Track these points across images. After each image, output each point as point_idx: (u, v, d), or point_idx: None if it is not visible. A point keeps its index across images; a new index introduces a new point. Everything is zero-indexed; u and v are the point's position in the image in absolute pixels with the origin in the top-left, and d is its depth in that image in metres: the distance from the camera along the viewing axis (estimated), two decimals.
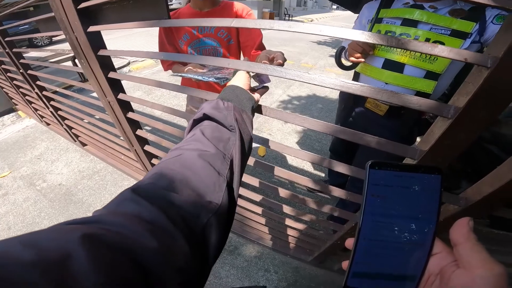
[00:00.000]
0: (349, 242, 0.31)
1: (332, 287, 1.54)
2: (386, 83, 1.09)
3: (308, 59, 5.24)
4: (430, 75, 0.97)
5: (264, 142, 0.84)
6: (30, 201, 2.17)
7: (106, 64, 0.99)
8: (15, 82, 2.41)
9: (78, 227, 0.20)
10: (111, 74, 1.00)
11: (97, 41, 0.91)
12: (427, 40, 0.93)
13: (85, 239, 0.18)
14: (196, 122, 0.48)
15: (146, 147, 1.41)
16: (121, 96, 1.08)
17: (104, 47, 0.94)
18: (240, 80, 0.61)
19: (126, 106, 1.15)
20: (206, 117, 0.47)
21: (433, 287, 0.27)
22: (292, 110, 3.13)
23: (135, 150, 1.46)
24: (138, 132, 1.28)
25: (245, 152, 0.47)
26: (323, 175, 2.28)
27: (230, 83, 0.61)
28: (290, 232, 1.50)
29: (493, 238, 0.89)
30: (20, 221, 1.99)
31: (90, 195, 2.17)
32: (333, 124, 0.66)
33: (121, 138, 1.48)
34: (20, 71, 1.96)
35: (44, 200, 2.16)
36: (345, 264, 0.30)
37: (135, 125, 1.25)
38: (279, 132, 2.86)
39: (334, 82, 0.53)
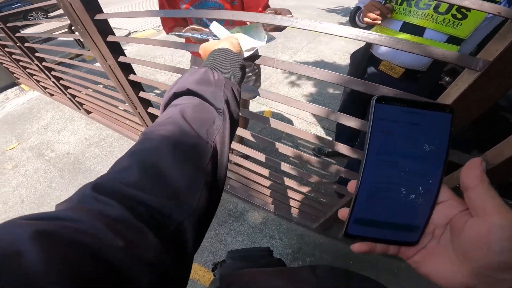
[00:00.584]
0: (352, 185, 0.28)
1: (336, 255, 1.55)
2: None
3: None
4: (453, 40, 0.91)
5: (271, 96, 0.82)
6: (40, 172, 2.21)
7: (104, 29, 0.95)
8: (14, 56, 2.36)
9: (31, 223, 0.18)
10: (110, 38, 0.97)
11: (92, 5, 0.87)
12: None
13: (37, 236, 0.16)
14: (176, 96, 0.39)
15: (150, 109, 1.37)
16: (121, 58, 1.05)
17: (101, 11, 0.90)
18: (230, 42, 0.52)
19: (127, 69, 1.13)
20: (189, 92, 0.38)
21: (442, 241, 0.25)
22: (299, 76, 3.00)
23: (139, 113, 1.42)
24: (141, 94, 1.25)
25: (230, 139, 0.40)
26: (330, 138, 2.23)
27: (218, 45, 0.51)
28: (295, 197, 1.48)
29: None
30: (32, 193, 2.05)
31: (98, 163, 2.19)
32: (344, 75, 0.63)
33: (126, 104, 1.45)
34: (17, 44, 1.92)
35: (54, 170, 2.20)
36: (342, 212, 0.28)
37: (137, 87, 1.22)
38: (286, 95, 2.75)
39: (349, 31, 0.49)
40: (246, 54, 0.59)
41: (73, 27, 1.08)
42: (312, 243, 1.59)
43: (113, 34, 0.99)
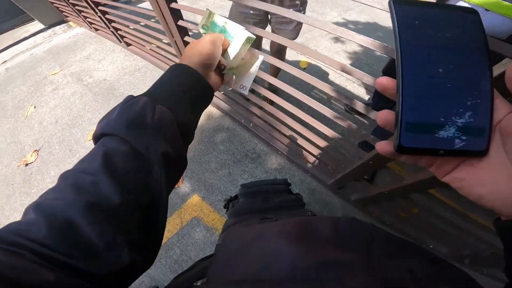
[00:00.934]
0: (383, 114, 0.24)
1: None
2: (486, 10, 0.78)
3: None
4: None
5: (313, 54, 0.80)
6: (77, 95, 2.33)
7: None
8: None
9: None
10: None
11: None
12: None
13: None
14: (104, 136, 0.31)
15: (186, 38, 1.34)
16: (173, 5, 1.09)
17: None
18: (200, 50, 0.40)
19: None
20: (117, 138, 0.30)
21: (493, 149, 0.21)
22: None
23: (175, 41, 1.40)
24: (180, 22, 1.24)
25: (171, 186, 0.34)
26: (366, 97, 2.03)
27: (185, 51, 0.42)
28: (316, 149, 1.40)
29: None
30: (66, 114, 2.17)
31: (131, 89, 2.26)
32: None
33: (166, 36, 1.44)
34: None
35: (90, 94, 2.31)
36: (381, 145, 0.24)
37: (176, 15, 1.21)
38: (327, 50, 2.55)
39: None
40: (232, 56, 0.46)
41: None
42: (322, 201, 1.52)
43: None
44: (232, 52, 0.46)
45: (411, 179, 0.85)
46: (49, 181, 1.76)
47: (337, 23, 3.04)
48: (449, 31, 0.21)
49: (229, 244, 0.35)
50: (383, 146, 0.24)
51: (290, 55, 2.39)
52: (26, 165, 1.87)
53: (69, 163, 1.82)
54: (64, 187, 0.25)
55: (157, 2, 1.14)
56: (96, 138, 0.32)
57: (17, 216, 1.62)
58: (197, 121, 0.40)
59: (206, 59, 0.40)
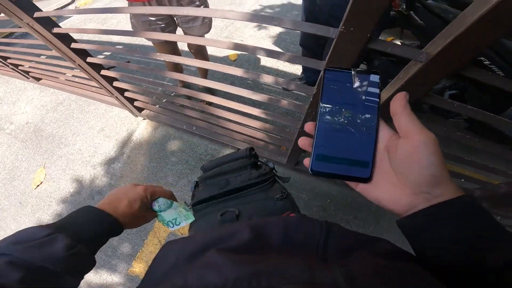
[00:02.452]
0: (309, 126, 0.31)
1: (313, 194, 1.56)
2: None
3: None
4: None
5: (236, 47, 0.81)
6: (3, 146, 2.09)
7: (26, 5, 0.99)
8: None
9: None
10: (37, 14, 1.01)
11: None
12: None
13: None
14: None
15: (89, 59, 1.29)
16: (56, 30, 1.09)
17: None
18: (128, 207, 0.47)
19: (66, 38, 1.17)
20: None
21: (383, 166, 0.29)
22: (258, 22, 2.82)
23: (79, 65, 1.34)
24: (74, 45, 1.20)
25: None
26: (298, 72, 2.16)
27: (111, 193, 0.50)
28: (265, 134, 1.45)
29: (471, 147, 0.85)
30: (1, 169, 1.96)
31: (59, 127, 2.08)
32: (300, 20, 0.66)
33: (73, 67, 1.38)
34: None
35: (17, 142, 2.08)
36: (302, 141, 0.32)
37: (66, 39, 1.18)
38: (252, 38, 2.62)
39: None
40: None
41: None
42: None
43: (39, 9, 1.02)
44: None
45: None
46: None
47: (256, 10, 3.11)
48: (355, 89, 0.30)
49: (165, 257, 0.34)
50: (303, 143, 0.32)
51: (218, 50, 2.39)
52: None
53: (25, 215, 1.71)
54: None
55: (38, 32, 1.10)
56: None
57: None
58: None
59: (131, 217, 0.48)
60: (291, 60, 0.78)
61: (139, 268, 1.44)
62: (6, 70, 2.39)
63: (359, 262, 0.26)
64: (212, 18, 1.43)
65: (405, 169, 0.27)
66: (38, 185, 1.80)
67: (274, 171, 0.66)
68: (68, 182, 1.78)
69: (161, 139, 1.86)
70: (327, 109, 0.30)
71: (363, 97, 0.30)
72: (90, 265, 0.39)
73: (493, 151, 0.84)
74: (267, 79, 0.92)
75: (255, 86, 2.10)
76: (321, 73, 0.32)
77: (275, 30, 2.67)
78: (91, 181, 1.76)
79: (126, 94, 1.60)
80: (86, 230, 0.40)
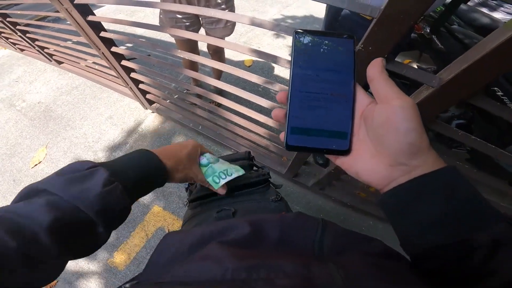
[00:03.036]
0: (281, 95, 0.28)
1: (307, 207, 1.54)
2: None
3: None
4: None
5: (255, 53, 0.81)
6: (11, 122, 2.13)
7: None
8: None
9: None
10: (77, 0, 1.01)
11: None
12: None
13: None
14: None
15: (114, 49, 1.32)
16: (91, 18, 1.11)
17: None
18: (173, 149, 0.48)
19: (97, 26, 1.20)
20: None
21: (360, 136, 0.27)
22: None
23: (103, 53, 1.37)
24: (103, 34, 1.23)
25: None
26: None
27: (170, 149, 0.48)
28: (269, 142, 1.44)
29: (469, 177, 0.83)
30: (3, 144, 1.98)
31: (69, 110, 2.11)
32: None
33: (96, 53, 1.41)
34: None
35: (25, 119, 2.11)
36: (275, 112, 0.29)
37: (97, 27, 1.21)
38: (269, 46, 2.64)
39: None
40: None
41: None
42: (284, 192, 1.57)
43: None
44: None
45: None
46: None
47: (277, 20, 3.16)
48: (328, 54, 0.28)
49: (165, 248, 0.34)
50: (276, 114, 0.29)
51: (234, 54, 2.43)
52: None
53: (15, 193, 1.64)
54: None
55: (74, 17, 1.12)
56: (38, 191, 0.31)
57: None
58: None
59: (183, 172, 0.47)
60: None
61: (119, 259, 1.40)
62: (32, 51, 2.48)
63: (354, 260, 0.26)
64: (235, 23, 1.45)
65: (381, 137, 0.24)
66: (36, 164, 1.81)
67: (269, 176, 0.65)
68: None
69: (166, 133, 1.86)
70: (299, 77, 0.27)
71: (338, 63, 0.28)
72: (124, 213, 0.36)
73: (490, 183, 0.81)
74: (279, 88, 0.91)
75: (265, 94, 2.10)
76: (292, 36, 0.29)
77: None
78: None
79: (141, 86, 1.62)
80: (129, 167, 0.38)
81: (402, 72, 0.55)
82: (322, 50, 0.28)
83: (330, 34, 0.28)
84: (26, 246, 0.25)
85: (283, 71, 2.29)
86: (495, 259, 0.21)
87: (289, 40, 2.70)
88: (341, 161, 0.29)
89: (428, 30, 1.52)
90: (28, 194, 0.31)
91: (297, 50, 0.28)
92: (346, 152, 0.27)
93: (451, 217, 0.22)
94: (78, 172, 0.33)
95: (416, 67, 1.92)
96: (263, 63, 2.37)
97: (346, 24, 1.29)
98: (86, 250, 0.33)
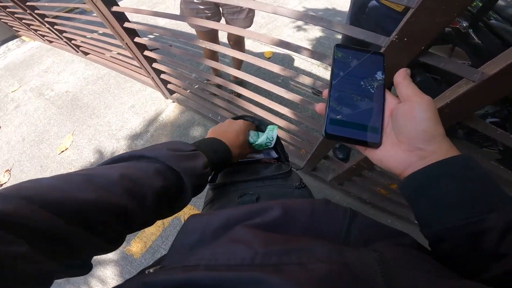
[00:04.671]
0: (320, 106, 0.34)
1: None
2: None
3: None
4: None
5: (278, 43, 0.80)
6: (40, 110, 2.24)
7: None
8: (8, 9, 2.37)
9: None
10: None
11: None
12: None
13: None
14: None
15: (137, 39, 1.35)
16: (114, 8, 1.14)
17: None
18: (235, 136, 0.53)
19: (121, 17, 1.22)
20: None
21: (387, 130, 0.30)
22: (306, 22, 2.79)
23: (126, 43, 1.41)
24: (126, 24, 1.26)
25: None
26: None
27: (213, 130, 0.56)
28: (288, 134, 1.42)
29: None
30: (32, 131, 2.08)
31: (95, 99, 2.19)
32: (350, 25, 0.63)
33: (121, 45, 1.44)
34: None
35: (53, 108, 2.22)
36: (319, 106, 0.35)
37: (121, 18, 1.25)
38: (290, 38, 2.59)
39: None
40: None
41: None
42: None
43: None
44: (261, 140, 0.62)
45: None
46: None
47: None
48: (363, 64, 0.34)
49: (190, 231, 0.34)
50: (320, 108, 0.34)
51: (254, 46, 2.41)
52: (0, 185, 1.79)
53: None
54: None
55: (98, 8, 1.14)
56: (139, 156, 0.37)
57: None
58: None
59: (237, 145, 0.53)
60: (325, 61, 0.74)
61: (136, 247, 1.44)
62: (60, 43, 2.58)
63: (388, 248, 0.26)
64: (255, 14, 1.44)
65: (401, 126, 0.28)
66: (62, 151, 1.89)
67: (287, 161, 0.68)
68: (91, 151, 1.85)
69: (185, 123, 1.89)
70: (338, 79, 0.33)
71: (371, 71, 0.33)
72: (204, 186, 0.44)
73: None
74: (302, 79, 0.89)
75: (285, 86, 2.06)
76: (333, 48, 0.35)
77: (314, 33, 2.63)
78: (111, 153, 1.82)
79: (162, 76, 1.65)
80: (213, 155, 0.46)
81: (440, 65, 0.52)
82: (358, 60, 0.34)
83: (363, 50, 0.35)
84: (133, 204, 0.30)
85: (303, 63, 2.25)
86: (506, 241, 0.22)
87: (310, 33, 2.65)
88: (368, 152, 0.32)
89: (464, 24, 1.44)
90: (140, 157, 0.36)
91: (337, 59, 0.34)
92: (377, 145, 0.31)
93: (465, 200, 0.24)
94: (184, 152, 0.40)
95: None
96: (283, 55, 2.34)
97: (373, 16, 1.25)
98: (175, 210, 0.40)
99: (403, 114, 0.28)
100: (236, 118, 0.66)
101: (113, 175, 0.29)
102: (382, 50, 0.55)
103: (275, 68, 0.92)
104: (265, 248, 0.24)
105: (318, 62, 2.23)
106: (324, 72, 2.19)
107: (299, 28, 2.70)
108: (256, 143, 0.60)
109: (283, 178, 0.58)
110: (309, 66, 2.22)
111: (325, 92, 0.33)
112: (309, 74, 2.18)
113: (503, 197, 0.24)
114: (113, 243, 0.30)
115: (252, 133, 0.61)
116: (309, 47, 2.51)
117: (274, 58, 2.33)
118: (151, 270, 0.24)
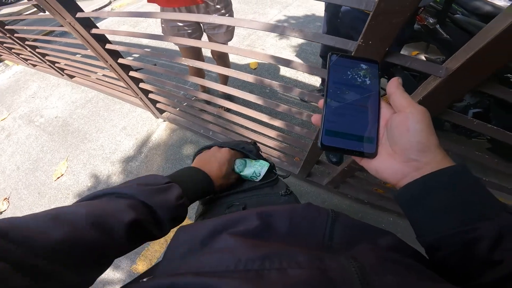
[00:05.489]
0: (316, 117, 0.34)
1: (322, 205, 1.54)
2: None
3: None
4: None
5: (257, 56, 0.82)
6: (31, 137, 2.23)
7: (70, 5, 1.04)
8: None
9: None
10: (79, 14, 1.07)
11: None
12: None
13: None
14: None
15: (120, 60, 1.37)
16: (94, 31, 1.16)
17: None
18: (219, 165, 0.55)
19: (101, 39, 1.24)
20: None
21: (383, 140, 0.31)
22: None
23: (110, 65, 1.41)
24: (108, 46, 1.27)
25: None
26: (317, 83, 2.16)
27: (199, 157, 0.58)
28: (280, 143, 1.45)
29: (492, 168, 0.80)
30: (26, 159, 2.08)
31: (85, 123, 2.19)
32: (321, 32, 0.63)
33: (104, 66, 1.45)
34: None
35: (44, 134, 2.21)
36: (315, 118, 0.34)
37: (102, 40, 1.26)
38: (273, 47, 2.66)
39: None
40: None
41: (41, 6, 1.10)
42: (297, 192, 1.58)
43: (81, 10, 1.09)
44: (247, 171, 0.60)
45: None
46: None
47: (279, 20, 3.16)
48: (357, 73, 0.34)
49: (179, 243, 0.35)
50: (315, 119, 0.35)
51: (239, 58, 2.46)
52: (0, 213, 1.80)
53: (41, 205, 1.79)
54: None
55: (78, 31, 1.16)
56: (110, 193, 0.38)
57: None
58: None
59: (220, 174, 0.54)
60: (311, 71, 0.77)
61: (142, 266, 1.46)
62: (43, 66, 2.55)
63: (366, 253, 0.27)
64: (235, 27, 1.46)
65: (396, 137, 0.29)
66: (58, 177, 1.89)
67: (274, 169, 0.67)
68: (87, 176, 1.86)
69: (178, 141, 1.91)
70: (333, 89, 0.34)
71: (365, 81, 0.34)
72: (183, 217, 0.45)
73: None
74: (285, 89, 0.92)
75: (273, 95, 2.12)
76: (328, 57, 0.35)
77: (296, 40, 2.70)
78: (108, 177, 1.83)
79: (150, 95, 1.66)
80: (190, 185, 0.47)
81: (407, 64, 0.55)
82: (353, 69, 0.34)
83: (359, 58, 0.35)
84: (104, 238, 0.31)
85: (289, 71, 2.31)
86: (500, 248, 0.23)
87: (292, 40, 2.72)
88: (364, 162, 0.33)
89: (431, 21, 1.51)
90: (112, 194, 0.38)
91: (333, 67, 0.34)
92: (373, 155, 0.32)
93: (458, 209, 0.26)
94: (157, 185, 0.41)
95: (424, 58, 1.90)
96: (269, 65, 2.39)
97: (347, 20, 1.29)
98: (156, 237, 0.40)
99: (397, 125, 0.29)
100: (222, 145, 0.66)
101: (80, 211, 0.31)
102: (352, 54, 0.57)
103: (257, 80, 0.96)
104: (248, 255, 0.25)
105: None
106: (309, 78, 2.26)
107: (281, 36, 2.77)
108: (241, 174, 0.59)
109: (270, 186, 0.60)
110: (295, 73, 2.28)
111: (321, 102, 0.33)
112: (295, 81, 2.24)
113: (496, 204, 0.25)
114: (93, 273, 0.31)
115: (238, 162, 0.60)
116: (292, 53, 2.58)
117: (260, 68, 2.39)
118: (144, 280, 0.26)
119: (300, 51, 2.58)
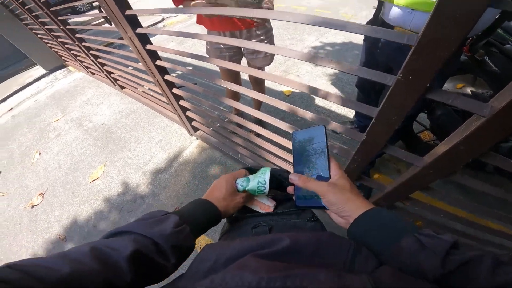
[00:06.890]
0: (289, 189, 0.49)
1: (329, 227, 1.48)
2: (413, 10, 0.94)
3: (348, 9, 4.46)
4: None
5: (291, 84, 0.84)
6: (78, 140, 2.46)
7: (133, 21, 1.15)
8: (59, 39, 2.65)
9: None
10: (139, 30, 1.18)
11: (123, 3, 1.07)
12: None
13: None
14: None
15: (167, 77, 1.47)
16: (148, 46, 1.26)
17: (130, 7, 1.10)
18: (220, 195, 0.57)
19: (154, 55, 1.34)
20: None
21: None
22: (325, 56, 2.87)
23: (157, 80, 1.53)
24: (158, 62, 1.38)
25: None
26: (351, 116, 2.12)
27: (213, 188, 0.60)
28: None
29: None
30: (69, 159, 2.28)
31: (127, 132, 2.37)
32: (360, 61, 0.66)
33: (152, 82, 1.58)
34: (61, 27, 2.18)
35: (90, 139, 2.43)
36: (289, 189, 0.49)
37: (153, 56, 1.35)
38: (308, 74, 2.69)
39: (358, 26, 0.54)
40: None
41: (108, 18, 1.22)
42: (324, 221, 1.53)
43: (141, 26, 1.19)
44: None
45: (391, 185, 0.89)
46: (53, 220, 1.84)
47: (315, 47, 3.20)
48: (312, 138, 0.47)
49: (205, 258, 0.37)
50: (293, 179, 0.46)
51: (274, 84, 2.52)
52: (32, 207, 1.96)
53: (72, 204, 1.90)
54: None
55: (135, 45, 1.27)
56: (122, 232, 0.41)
57: (23, 252, 1.70)
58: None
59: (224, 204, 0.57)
60: (344, 104, 0.75)
61: (162, 283, 1.47)
62: (101, 75, 2.85)
63: (384, 274, 0.29)
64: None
65: (329, 206, 0.42)
66: (94, 180, 2.03)
67: (277, 174, 0.69)
68: (119, 182, 1.97)
69: (207, 160, 1.98)
70: (297, 161, 0.48)
71: (318, 142, 0.46)
72: (190, 247, 0.46)
73: None
74: (317, 119, 0.93)
75: (305, 124, 2.11)
76: (292, 135, 0.51)
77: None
78: (137, 185, 1.92)
79: (188, 113, 1.75)
80: (192, 214, 0.50)
81: (448, 102, 0.51)
82: (308, 138, 0.48)
83: (310, 128, 0.48)
84: (107, 270, 0.32)
85: (323, 100, 2.30)
86: (418, 258, 0.30)
87: (328, 68, 2.71)
88: (333, 217, 0.44)
89: (480, 51, 1.40)
90: (115, 234, 0.40)
91: (294, 144, 0.50)
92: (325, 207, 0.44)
93: (382, 235, 0.35)
94: (155, 218, 0.44)
95: (469, 92, 1.76)
96: (302, 93, 2.41)
97: (387, 51, 1.25)
98: (155, 278, 0.41)
99: (325, 203, 0.42)
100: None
101: (84, 249, 0.33)
102: (389, 90, 0.56)
103: (290, 108, 0.98)
104: (270, 274, 0.26)
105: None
106: (343, 108, 2.22)
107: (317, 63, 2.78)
108: (247, 188, 0.59)
109: (296, 213, 0.60)
110: (328, 102, 2.27)
111: (292, 176, 0.46)
112: (328, 111, 2.22)
113: (407, 225, 0.35)
114: None
115: (240, 180, 0.60)
116: (327, 82, 2.57)
117: (293, 95, 2.42)
118: None
119: (336, 80, 2.57)
